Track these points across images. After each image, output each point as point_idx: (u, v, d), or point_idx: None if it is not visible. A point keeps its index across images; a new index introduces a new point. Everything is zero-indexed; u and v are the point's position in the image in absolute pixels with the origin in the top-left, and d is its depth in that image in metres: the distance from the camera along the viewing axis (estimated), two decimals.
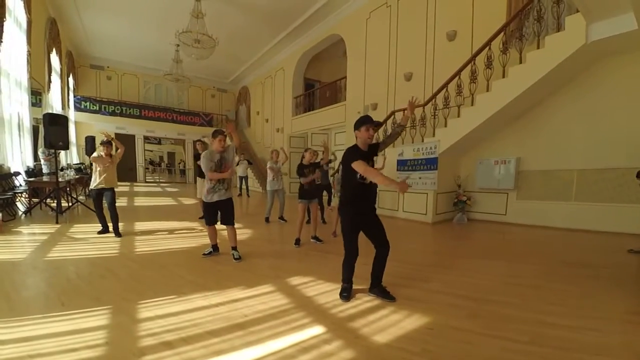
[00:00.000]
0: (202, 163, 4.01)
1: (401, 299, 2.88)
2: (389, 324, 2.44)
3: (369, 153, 2.90)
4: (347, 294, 2.92)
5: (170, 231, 5.79)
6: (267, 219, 6.94)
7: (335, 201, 6.00)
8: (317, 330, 2.33)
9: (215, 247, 4.36)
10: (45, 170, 8.48)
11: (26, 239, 4.95)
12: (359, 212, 2.91)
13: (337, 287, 3.17)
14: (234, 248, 4.22)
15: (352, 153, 2.80)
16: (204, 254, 4.26)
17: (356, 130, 2.91)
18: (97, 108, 15.73)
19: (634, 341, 2.19)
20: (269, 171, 6.91)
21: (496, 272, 3.82)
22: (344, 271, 2.99)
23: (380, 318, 2.54)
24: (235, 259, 4.10)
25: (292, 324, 2.43)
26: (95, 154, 5.22)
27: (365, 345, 2.14)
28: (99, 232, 5.31)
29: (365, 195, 2.92)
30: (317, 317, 2.53)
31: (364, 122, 2.88)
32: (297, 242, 4.95)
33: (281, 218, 7.01)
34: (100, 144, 5.33)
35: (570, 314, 2.63)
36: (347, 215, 2.93)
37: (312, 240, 5.18)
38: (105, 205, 5.29)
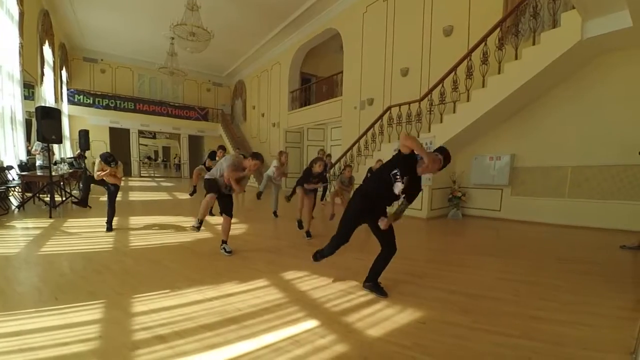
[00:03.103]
0: (229, 161, 3.97)
1: (395, 293, 2.90)
2: (382, 318, 2.45)
3: (414, 174, 2.70)
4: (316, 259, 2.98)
5: (165, 226, 5.77)
6: (259, 194, 6.84)
7: (329, 195, 6.06)
8: (311, 324, 2.34)
9: (201, 224, 4.27)
10: (39, 163, 8.33)
11: (19, 234, 4.90)
12: (369, 207, 2.83)
13: (331, 281, 3.19)
14: (225, 242, 4.15)
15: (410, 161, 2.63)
16: (195, 227, 4.22)
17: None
18: (91, 101, 15.59)
19: (624, 336, 2.22)
20: (274, 170, 6.82)
21: (489, 268, 3.85)
22: (327, 246, 3.00)
23: (374, 312, 2.56)
24: (227, 252, 4.06)
25: (286, 318, 2.43)
26: (96, 170, 4.99)
27: (358, 339, 2.16)
28: (75, 203, 5.06)
29: (383, 195, 2.80)
30: (310, 311, 2.55)
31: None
32: (308, 234, 4.95)
33: (274, 213, 6.98)
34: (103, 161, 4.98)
35: (562, 309, 2.66)
36: (357, 204, 2.88)
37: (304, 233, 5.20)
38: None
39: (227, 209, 4.17)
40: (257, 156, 4.05)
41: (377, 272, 2.95)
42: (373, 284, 2.95)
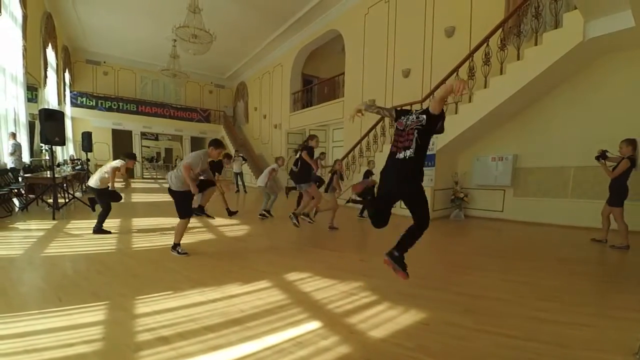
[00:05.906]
0: (194, 158, 3.99)
1: (397, 294, 2.90)
2: (385, 320, 2.45)
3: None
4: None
5: (167, 227, 5.77)
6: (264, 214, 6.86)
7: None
8: (314, 325, 2.34)
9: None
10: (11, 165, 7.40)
11: (23, 235, 4.92)
12: (382, 186, 2.85)
13: (333, 282, 3.19)
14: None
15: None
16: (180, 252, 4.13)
17: None
18: (94, 104, 15.65)
19: (627, 337, 2.21)
20: (273, 173, 6.93)
21: (492, 269, 3.84)
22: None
23: (377, 314, 2.55)
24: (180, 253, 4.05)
25: (289, 319, 2.43)
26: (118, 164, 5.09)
27: (361, 341, 2.15)
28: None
29: (392, 169, 2.85)
30: (313, 313, 2.54)
31: None
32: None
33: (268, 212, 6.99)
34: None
35: (564, 310, 2.65)
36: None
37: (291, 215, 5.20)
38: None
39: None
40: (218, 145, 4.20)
41: (400, 242, 2.79)
42: (399, 255, 2.74)
